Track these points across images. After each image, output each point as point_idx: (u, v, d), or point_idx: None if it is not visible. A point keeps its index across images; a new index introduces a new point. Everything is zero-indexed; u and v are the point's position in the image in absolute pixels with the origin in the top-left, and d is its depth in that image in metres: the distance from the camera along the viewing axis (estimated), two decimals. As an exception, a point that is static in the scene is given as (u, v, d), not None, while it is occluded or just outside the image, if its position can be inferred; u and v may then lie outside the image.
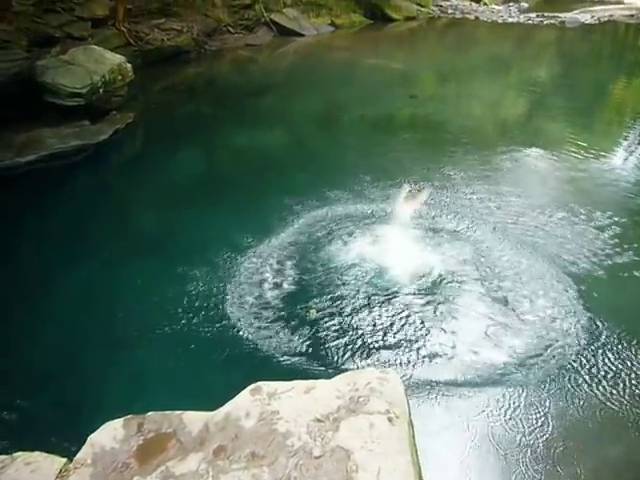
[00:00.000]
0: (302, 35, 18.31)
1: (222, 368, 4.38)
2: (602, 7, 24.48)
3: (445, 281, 5.39)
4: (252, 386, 2.74)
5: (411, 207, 6.48)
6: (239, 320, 4.92)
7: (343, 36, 18.99)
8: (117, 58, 9.97)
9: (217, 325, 4.87)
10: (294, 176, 7.66)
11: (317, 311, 5.04)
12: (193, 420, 2.62)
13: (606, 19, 21.97)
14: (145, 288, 5.42)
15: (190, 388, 4.13)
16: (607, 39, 20.62)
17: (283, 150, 8.95)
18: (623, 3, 25.94)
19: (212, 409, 2.70)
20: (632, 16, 22.43)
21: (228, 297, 5.24)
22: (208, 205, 6.99)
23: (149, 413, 2.60)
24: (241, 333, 4.75)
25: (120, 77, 9.79)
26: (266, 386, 2.71)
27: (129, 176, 8.09)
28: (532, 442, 3.74)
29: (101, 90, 9.28)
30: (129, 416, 2.58)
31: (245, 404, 2.62)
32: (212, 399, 2.80)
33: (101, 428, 2.48)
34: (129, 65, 10.05)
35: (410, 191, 6.73)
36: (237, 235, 6.28)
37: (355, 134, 9.27)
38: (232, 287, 5.37)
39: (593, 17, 22.11)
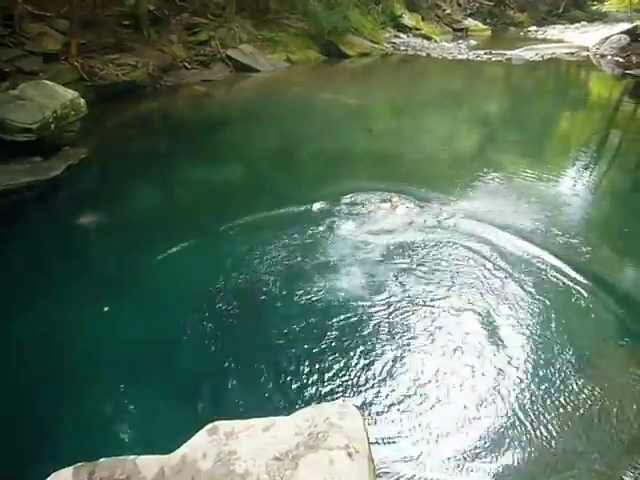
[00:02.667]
0: (258, 71, 18.51)
1: (179, 409, 4.25)
2: (545, 45, 25.75)
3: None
4: (209, 426, 2.68)
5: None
6: (195, 357, 4.83)
7: (299, 72, 19.31)
8: (70, 93, 9.84)
9: (171, 364, 4.75)
10: (250, 212, 7.61)
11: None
12: (148, 464, 2.53)
13: (549, 56, 23.07)
14: (97, 329, 5.25)
15: (146, 431, 3.98)
16: (551, 75, 21.62)
17: (241, 185, 8.93)
18: (564, 42, 27.36)
19: (168, 452, 2.62)
20: (572, 54, 23.64)
21: (184, 333, 5.14)
22: (164, 242, 6.87)
23: (101, 460, 2.50)
24: (197, 371, 4.65)
25: (73, 112, 9.64)
26: (223, 425, 2.65)
27: (82, 213, 7.89)
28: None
29: (53, 125, 9.11)
30: (79, 464, 2.47)
31: (202, 445, 2.55)
32: (168, 441, 2.71)
33: (49, 478, 2.36)
34: (82, 100, 9.93)
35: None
36: (194, 271, 6.23)
37: (312, 168, 9.37)
38: (187, 322, 5.28)
39: (537, 54, 23.19)
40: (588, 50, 23.71)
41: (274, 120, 13.25)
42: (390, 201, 7.73)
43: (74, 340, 5.11)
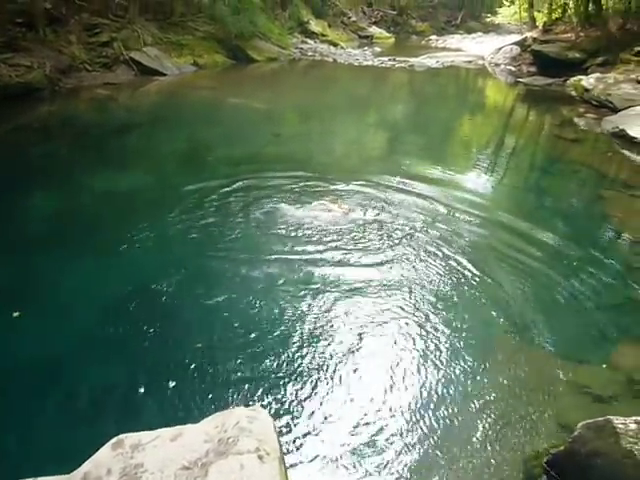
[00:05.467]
0: (164, 74, 18.08)
1: (82, 425, 4.05)
2: (445, 53, 27.06)
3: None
4: (113, 440, 2.59)
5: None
6: (99, 369, 4.64)
7: (206, 76, 19.04)
8: (-44, 96, 9.18)
9: (73, 377, 4.55)
10: (157, 218, 7.44)
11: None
12: (47, 485, 2.41)
13: (449, 64, 24.26)
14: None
15: (44, 450, 3.77)
16: (451, 82, 22.73)
17: (146, 191, 8.64)
18: (462, 50, 28.88)
19: (69, 471, 2.51)
20: (470, 62, 25.00)
21: (87, 345, 4.95)
22: (66, 252, 6.56)
23: (-6, 484, 2.34)
24: (102, 384, 4.46)
25: (-40, 116, 9.00)
26: (129, 438, 2.57)
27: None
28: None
29: (-63, 130, 8.46)
30: (-31, 491, 2.31)
31: (106, 460, 2.46)
32: (71, 460, 2.60)
33: None
34: (-30, 103, 9.29)
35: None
36: (98, 281, 5.98)
37: (220, 172, 9.25)
38: (91, 334, 5.09)
39: (438, 62, 24.31)
40: (484, 59, 25.16)
41: (181, 125, 12.99)
42: (339, 206, 7.75)
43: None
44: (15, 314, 5.24)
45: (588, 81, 16.56)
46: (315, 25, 29.08)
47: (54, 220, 7.60)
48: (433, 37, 35.19)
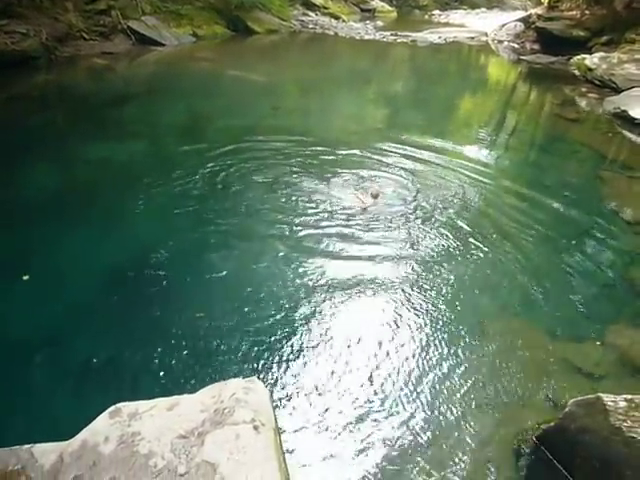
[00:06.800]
0: (162, 44, 17.82)
1: (77, 391, 4.10)
2: (447, 29, 26.65)
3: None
4: (111, 408, 2.62)
5: None
6: (99, 339, 4.67)
7: (205, 47, 18.78)
8: (-49, 62, 9.04)
9: (64, 343, 4.59)
10: (156, 188, 7.42)
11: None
12: (45, 452, 2.44)
13: (451, 39, 23.92)
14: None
15: (42, 417, 3.81)
16: (453, 58, 22.41)
17: (143, 161, 8.63)
18: (465, 26, 28.44)
19: (67, 438, 2.54)
20: (473, 38, 24.65)
21: (88, 314, 4.98)
22: (64, 222, 6.57)
23: (-8, 450, 2.38)
24: (97, 352, 4.50)
25: (-45, 83, 8.88)
26: (126, 407, 2.60)
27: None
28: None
29: None
30: (-31, 455, 2.34)
31: (103, 428, 2.49)
32: (69, 427, 2.63)
33: None
34: (-34, 70, 9.15)
35: None
36: (98, 252, 6.00)
37: (217, 143, 9.18)
38: (93, 303, 5.12)
39: (440, 37, 23.98)
40: (487, 35, 24.78)
41: (179, 96, 12.85)
42: (371, 195, 7.48)
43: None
44: (25, 277, 5.36)
45: (592, 60, 16.35)
46: (316, -3, 28.57)
47: (52, 189, 7.57)
48: (436, 12, 34.58)
